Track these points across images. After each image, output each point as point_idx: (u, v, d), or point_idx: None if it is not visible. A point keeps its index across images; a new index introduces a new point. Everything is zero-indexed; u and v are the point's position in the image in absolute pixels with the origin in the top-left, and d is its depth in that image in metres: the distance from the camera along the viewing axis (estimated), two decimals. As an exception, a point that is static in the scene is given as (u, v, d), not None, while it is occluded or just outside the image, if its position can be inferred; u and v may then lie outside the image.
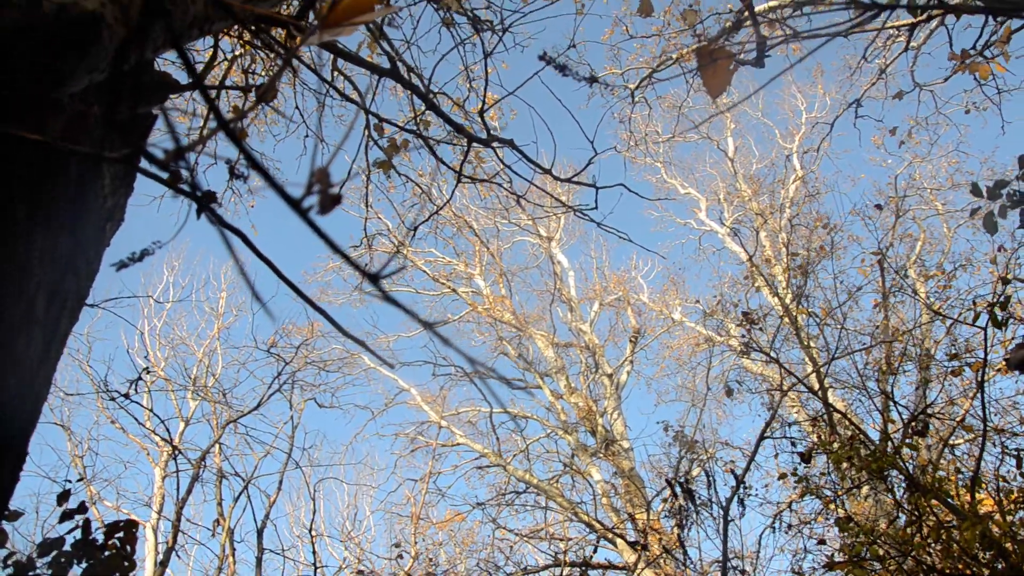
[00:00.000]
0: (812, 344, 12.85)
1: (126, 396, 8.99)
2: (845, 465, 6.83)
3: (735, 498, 6.45)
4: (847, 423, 8.18)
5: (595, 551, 13.88)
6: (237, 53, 6.96)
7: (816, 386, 9.75)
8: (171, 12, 1.47)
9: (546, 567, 13.21)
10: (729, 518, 6.47)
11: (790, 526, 7.78)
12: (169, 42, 1.51)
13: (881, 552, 5.73)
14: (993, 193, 5.09)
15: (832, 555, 6.68)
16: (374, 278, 0.63)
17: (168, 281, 20.59)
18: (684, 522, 7.62)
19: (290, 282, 0.82)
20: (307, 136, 8.77)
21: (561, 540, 14.18)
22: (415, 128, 5.40)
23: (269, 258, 0.81)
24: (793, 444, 7.92)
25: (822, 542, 7.14)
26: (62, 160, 1.56)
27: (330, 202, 0.63)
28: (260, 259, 0.90)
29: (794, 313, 12.52)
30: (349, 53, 4.27)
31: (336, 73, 7.70)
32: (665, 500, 8.61)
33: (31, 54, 1.18)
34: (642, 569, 11.02)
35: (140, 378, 9.44)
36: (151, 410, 15.15)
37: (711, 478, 7.99)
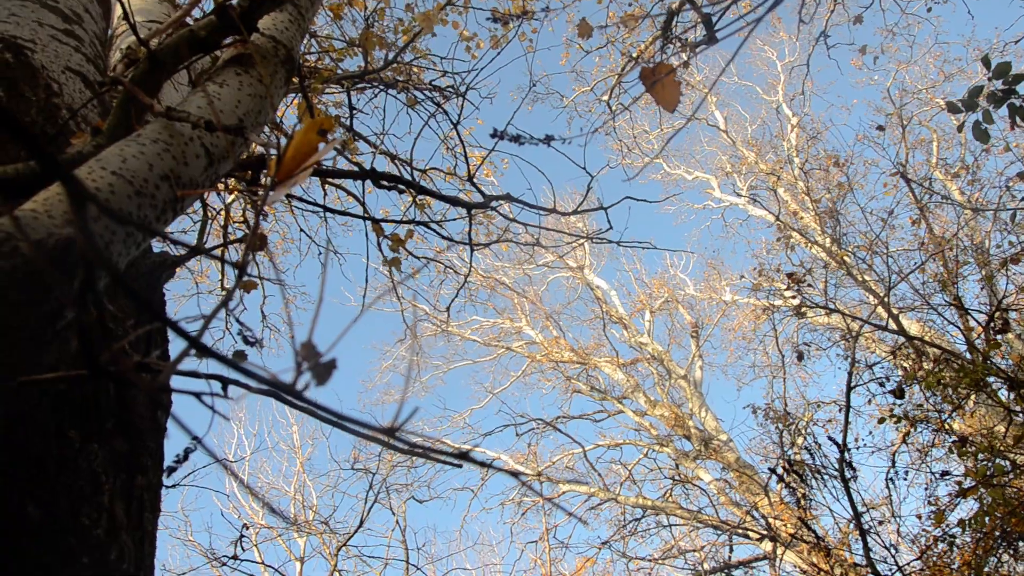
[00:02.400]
0: (866, 278, 12.65)
1: (234, 558, 9.06)
2: (941, 387, 6.68)
3: (844, 461, 6.32)
4: (929, 346, 8.02)
5: (731, 551, 13.64)
6: (229, 200, 7.13)
7: (886, 319, 9.58)
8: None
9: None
10: (847, 478, 6.34)
11: (908, 471, 7.61)
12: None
13: (1007, 464, 5.58)
14: (970, 103, 5.03)
15: (960, 482, 6.51)
16: (391, 432, 0.65)
17: (239, 434, 20.82)
18: (805, 500, 7.48)
19: (340, 423, 0.84)
20: (320, 253, 8.92)
21: (694, 551, 13.96)
22: (414, 218, 5.48)
23: (314, 408, 0.82)
24: (882, 385, 7.76)
25: (946, 474, 6.95)
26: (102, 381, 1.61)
27: (325, 371, 0.65)
28: (305, 411, 0.93)
29: (839, 256, 12.36)
30: (326, 170, 4.36)
31: (325, 186, 7.86)
32: (779, 482, 8.45)
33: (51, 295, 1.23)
34: (783, 553, 10.79)
35: (242, 536, 9.52)
36: (263, 562, 15.25)
37: (816, 445, 7.85)
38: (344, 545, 14.73)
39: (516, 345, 20.85)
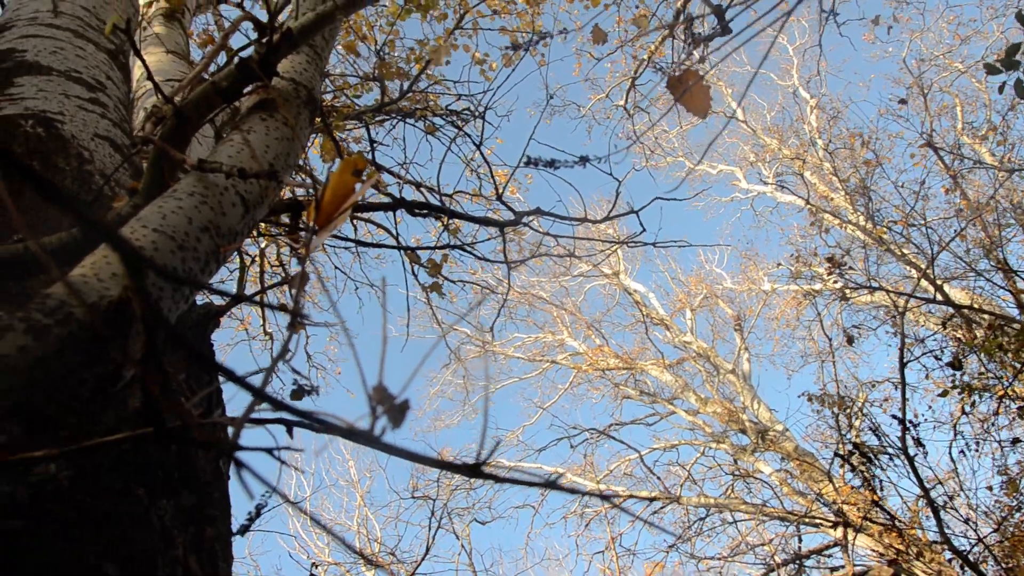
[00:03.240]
0: (906, 252, 12.47)
1: (305, 599, 9.11)
2: (1000, 352, 6.56)
3: (907, 439, 6.21)
4: (979, 313, 7.88)
5: (800, 541, 13.44)
6: (264, 245, 7.22)
7: (932, 291, 9.43)
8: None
9: (764, 576, 12.81)
10: (912, 456, 6.23)
11: (975, 442, 7.46)
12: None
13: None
14: (1009, 63, 4.94)
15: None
16: (475, 469, 0.65)
17: (296, 474, 20.94)
18: (871, 482, 7.36)
19: (428, 462, 0.82)
20: (357, 288, 9.00)
21: (763, 544, 13.78)
22: (447, 243, 5.51)
23: (398, 451, 0.79)
24: (937, 358, 7.62)
25: (1017, 441, 6.80)
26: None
27: (399, 413, 0.65)
28: (389, 452, 0.92)
29: (875, 233, 12.21)
30: (356, 205, 4.39)
31: (354, 220, 7.92)
32: (843, 466, 8.32)
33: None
34: (854, 538, 10.62)
35: (312, 574, 9.60)
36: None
37: (875, 425, 7.73)
38: (413, 574, 14.74)
39: (560, 358, 20.82)
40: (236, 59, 1.87)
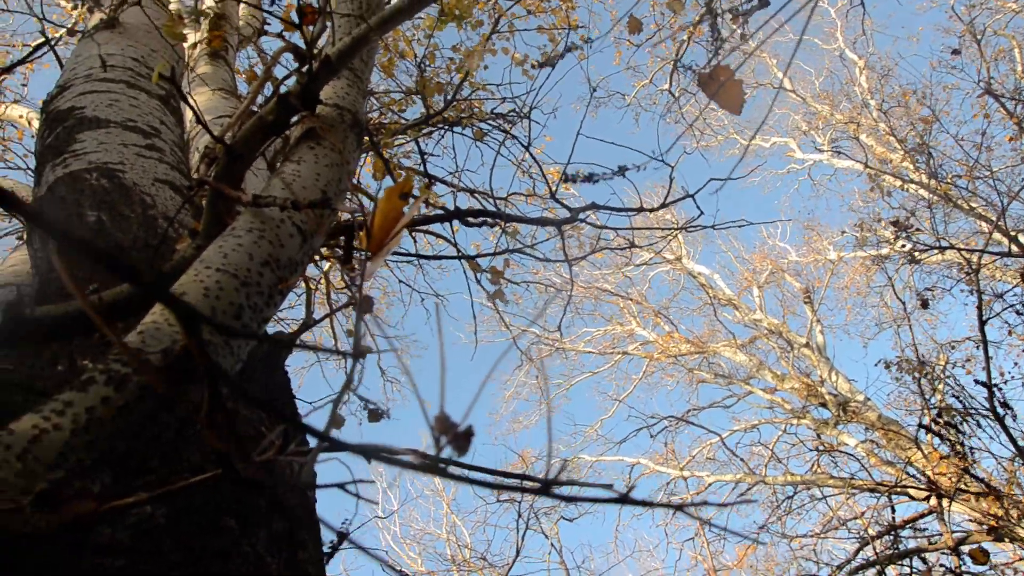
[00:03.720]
0: (974, 206, 12.13)
1: (403, 609, 9.23)
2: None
3: (994, 399, 6.03)
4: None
5: (893, 511, 13.16)
6: (327, 268, 7.34)
7: (1007, 243, 9.16)
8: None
9: (858, 550, 12.57)
10: (1001, 416, 6.05)
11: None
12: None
13: None
14: None
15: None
16: (546, 488, 0.65)
17: (382, 488, 21.21)
18: (961, 447, 7.18)
19: (498, 484, 0.83)
20: (423, 300, 9.10)
21: (855, 518, 13.52)
22: (506, 248, 5.54)
23: (466, 478, 0.79)
24: (1019, 312, 7.40)
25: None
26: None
27: (464, 440, 0.66)
28: (459, 481, 0.94)
29: (940, 190, 11.90)
30: (413, 219, 4.44)
31: (414, 234, 8.00)
32: (929, 433, 8.12)
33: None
34: (949, 506, 10.36)
35: (404, 586, 9.73)
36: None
37: (960, 387, 7.54)
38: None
39: (631, 348, 20.72)
40: (277, 94, 1.91)
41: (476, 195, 7.93)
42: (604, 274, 20.57)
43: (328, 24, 2.47)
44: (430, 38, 6.78)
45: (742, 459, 16.38)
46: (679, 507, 0.68)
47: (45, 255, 2.50)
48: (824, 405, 16.34)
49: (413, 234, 8.24)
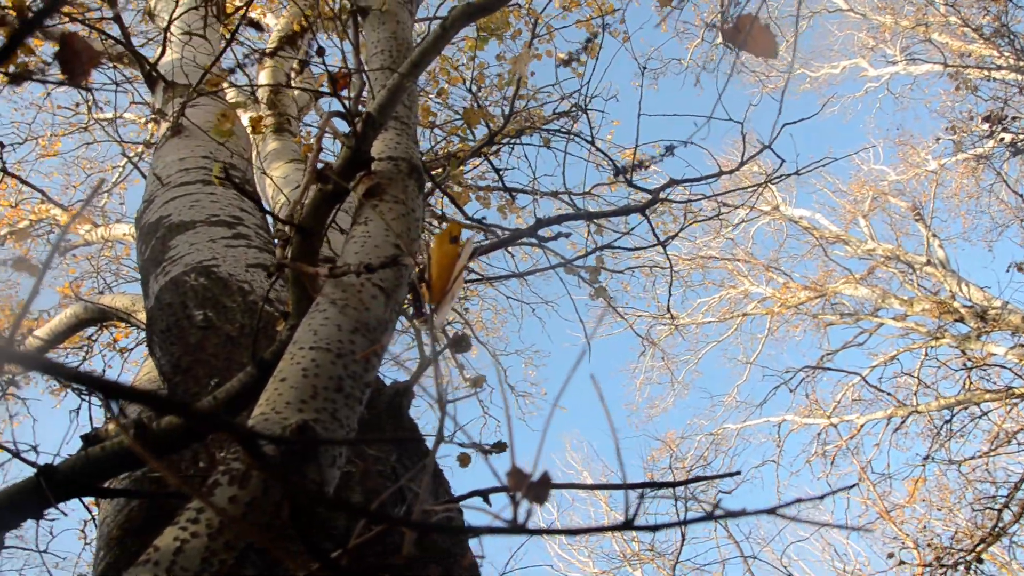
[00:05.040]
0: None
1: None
2: None
3: None
4: None
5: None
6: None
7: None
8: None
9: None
10: None
11: None
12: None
13: None
14: None
15: None
16: (628, 524, 0.66)
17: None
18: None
19: (558, 531, 0.85)
20: (534, 310, 9.15)
21: (1023, 429, 12.91)
22: (597, 245, 5.57)
23: (557, 531, 0.78)
24: None
25: None
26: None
27: (542, 489, 0.66)
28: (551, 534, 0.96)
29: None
30: (502, 240, 4.51)
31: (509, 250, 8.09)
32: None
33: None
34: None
35: None
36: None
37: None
38: (677, 562, 14.70)
39: (750, 308, 20.32)
40: (326, 164, 1.99)
41: (559, 196, 7.95)
42: (706, 241, 20.26)
43: (366, 78, 2.54)
44: (473, 60, 6.85)
45: (889, 393, 15.85)
46: (771, 513, 0.68)
47: (158, 364, 2.66)
48: (961, 320, 15.66)
49: (510, 250, 8.33)
